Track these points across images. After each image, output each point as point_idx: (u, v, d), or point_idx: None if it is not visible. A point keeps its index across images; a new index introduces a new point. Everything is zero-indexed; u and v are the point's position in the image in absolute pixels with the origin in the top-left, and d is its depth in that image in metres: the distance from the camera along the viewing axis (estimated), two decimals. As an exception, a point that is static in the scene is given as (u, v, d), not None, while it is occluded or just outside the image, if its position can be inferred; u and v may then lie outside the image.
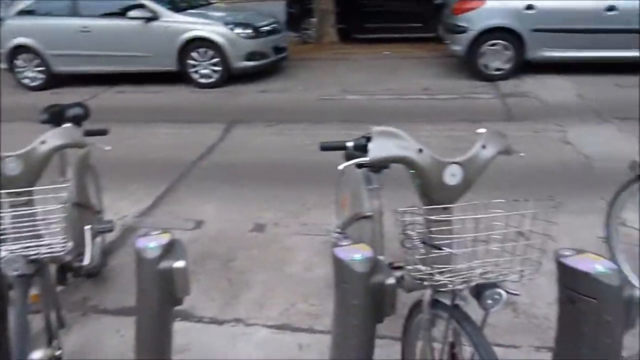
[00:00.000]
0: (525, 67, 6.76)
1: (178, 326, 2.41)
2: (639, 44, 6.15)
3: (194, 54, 7.30)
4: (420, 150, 1.46)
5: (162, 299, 1.70)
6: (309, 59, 9.08)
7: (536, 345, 2.26)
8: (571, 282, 1.56)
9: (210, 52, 7.27)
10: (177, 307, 1.73)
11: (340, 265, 1.62)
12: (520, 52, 6.58)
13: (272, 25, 7.87)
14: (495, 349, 2.13)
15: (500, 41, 6.62)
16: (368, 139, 1.48)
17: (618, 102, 5.48)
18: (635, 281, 2.49)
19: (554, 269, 1.60)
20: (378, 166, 1.97)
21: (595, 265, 1.51)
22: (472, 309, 1.49)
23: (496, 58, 6.70)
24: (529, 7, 6.40)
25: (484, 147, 1.55)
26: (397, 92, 6.53)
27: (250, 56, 7.34)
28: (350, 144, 1.68)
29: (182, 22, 7.33)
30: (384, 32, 10.51)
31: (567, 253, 1.59)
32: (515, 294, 1.47)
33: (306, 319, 2.53)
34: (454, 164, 1.49)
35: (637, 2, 6.11)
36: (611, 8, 6.18)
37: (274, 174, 4.25)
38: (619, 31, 6.24)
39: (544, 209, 1.43)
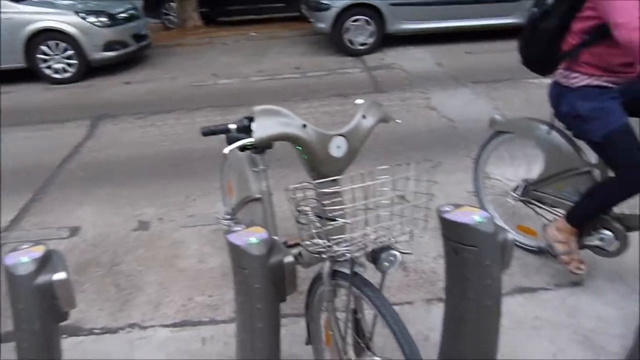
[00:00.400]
0: (387, 40, 7.09)
1: (67, 343, 2.23)
2: (488, 13, 6.73)
3: (43, 48, 6.65)
4: (304, 126, 1.46)
5: (43, 316, 1.55)
6: (173, 46, 8.71)
7: (428, 298, 2.42)
8: (453, 234, 1.68)
9: (63, 45, 6.67)
10: (63, 323, 1.59)
11: (236, 251, 1.59)
12: (381, 26, 6.89)
13: (129, 12, 7.41)
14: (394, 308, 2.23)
15: (362, 17, 6.86)
16: (251, 120, 1.45)
17: (470, 67, 5.98)
18: (503, 226, 2.74)
19: (435, 226, 1.72)
20: (262, 147, 1.95)
21: (473, 216, 1.64)
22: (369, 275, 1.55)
23: (360, 33, 6.94)
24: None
25: (364, 117, 1.59)
26: (269, 72, 6.51)
27: (109, 46, 6.86)
28: (232, 127, 1.64)
29: (25, 13, 6.62)
30: (248, 13, 10.40)
31: (447, 208, 1.70)
32: (408, 253, 1.54)
33: (206, 311, 2.46)
34: (338, 136, 1.52)
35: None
36: (456, -19, 6.68)
37: (151, 169, 4.05)
38: (468, 2, 6.78)
39: (424, 170, 1.51)
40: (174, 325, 2.39)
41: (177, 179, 3.81)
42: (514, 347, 2.10)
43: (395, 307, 2.32)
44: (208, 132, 1.71)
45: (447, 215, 1.68)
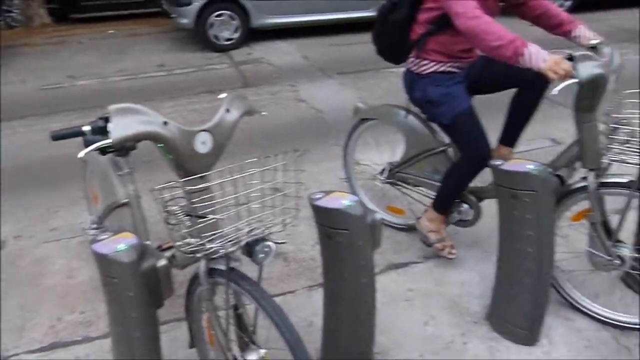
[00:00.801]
0: (254, 34, 7.08)
1: None
2: (350, 6, 6.99)
3: None
4: (166, 123, 1.42)
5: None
6: (20, 46, 7.91)
7: (309, 285, 2.48)
8: (326, 220, 1.74)
9: None
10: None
11: (104, 261, 1.51)
12: (246, 21, 6.85)
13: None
14: (274, 298, 2.25)
15: (226, 11, 6.77)
16: (106, 120, 1.37)
17: (335, 59, 6.19)
18: (374, 208, 2.89)
19: (310, 215, 1.77)
20: (124, 148, 1.85)
21: (342, 201, 1.71)
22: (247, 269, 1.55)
23: (225, 28, 6.85)
24: (246, -24, 6.67)
25: (228, 111, 1.58)
26: (131, 71, 6.19)
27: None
28: (87, 128, 1.54)
29: None
30: (104, 9, 9.75)
31: (318, 196, 1.76)
32: (283, 243, 1.57)
33: (78, 329, 2.29)
34: (202, 132, 1.49)
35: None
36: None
37: (3, 182, 3.65)
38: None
39: (292, 160, 1.53)
40: (43, 349, 2.19)
41: (35, 191, 3.49)
42: (390, 320, 2.24)
43: (278, 298, 2.36)
44: (58, 136, 1.58)
45: (318, 203, 1.73)
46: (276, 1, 6.86)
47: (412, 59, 2.30)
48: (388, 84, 5.07)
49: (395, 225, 2.83)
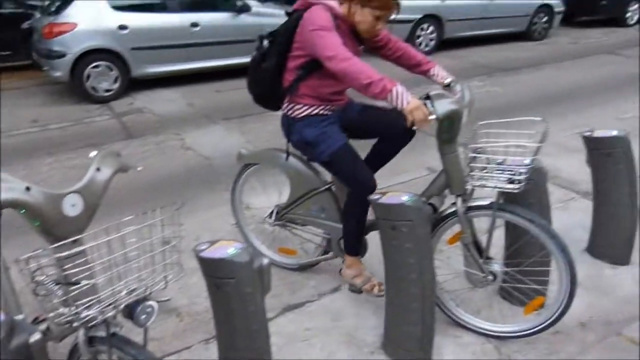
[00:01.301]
0: (135, 84, 6.91)
1: None
2: (233, 53, 7.08)
3: None
4: (28, 189, 1.34)
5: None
6: None
7: (205, 338, 2.41)
8: (212, 270, 1.72)
9: None
10: None
11: (-36, 344, 1.37)
12: (126, 71, 6.68)
13: None
14: (169, 357, 2.17)
15: (103, 62, 6.56)
16: (-41, 190, 1.27)
17: (221, 105, 6.22)
18: (265, 251, 2.91)
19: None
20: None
21: (228, 249, 1.71)
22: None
23: (103, 79, 6.62)
24: (122, 27, 6.53)
25: (98, 169, 1.54)
26: (2, 129, 5.74)
27: None
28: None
29: None
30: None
31: (203, 246, 1.74)
32: (166, 300, 1.53)
33: None
34: (71, 194, 1.43)
35: (215, 16, 7.04)
36: (195, 24, 6.88)
37: None
38: (202, 44, 7.04)
39: (170, 214, 1.51)
40: None
41: None
42: (289, 362, 2.23)
43: (172, 356, 2.27)
44: None
45: (203, 254, 1.72)
46: (156, 50, 6.77)
47: (286, 104, 2.39)
48: (273, 127, 5.15)
49: (289, 266, 2.85)
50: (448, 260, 2.78)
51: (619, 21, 11.61)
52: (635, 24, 11.70)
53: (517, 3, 9.72)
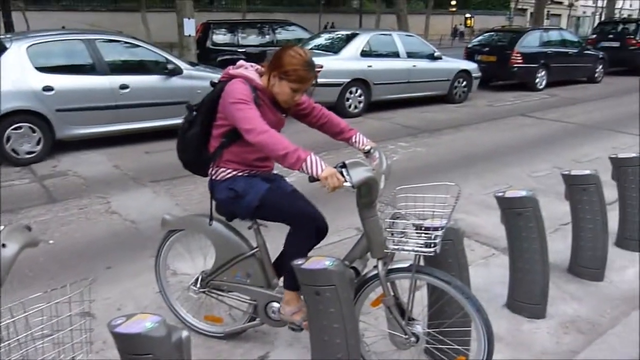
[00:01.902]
0: (60, 146, 6.69)
1: None
2: (163, 114, 7.05)
3: None
4: None
5: None
6: None
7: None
8: (128, 347, 1.65)
9: None
10: None
11: None
12: (50, 133, 6.47)
13: None
14: None
15: (26, 124, 6.33)
16: None
17: (150, 167, 6.11)
18: (191, 320, 2.83)
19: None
20: None
21: (145, 323, 1.65)
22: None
23: (25, 141, 6.36)
24: (47, 88, 6.38)
25: (4, 246, 1.47)
26: None
27: None
28: None
29: None
30: None
31: (118, 321, 1.68)
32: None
33: None
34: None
35: (146, 78, 7.05)
36: (124, 86, 6.84)
37: None
38: (134, 106, 6.98)
39: (81, 289, 1.46)
40: None
41: None
42: None
43: None
44: None
45: (118, 329, 1.65)
46: (82, 112, 6.63)
47: (212, 170, 2.42)
48: (205, 189, 5.08)
49: (215, 335, 2.78)
50: (376, 322, 2.81)
51: (529, 86, 12.65)
52: (543, 88, 12.78)
53: (438, 68, 10.40)
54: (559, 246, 3.92)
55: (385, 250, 2.18)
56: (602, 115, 9.74)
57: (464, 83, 10.86)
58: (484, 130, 8.38)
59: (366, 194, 2.12)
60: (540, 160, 6.58)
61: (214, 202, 2.50)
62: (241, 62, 2.39)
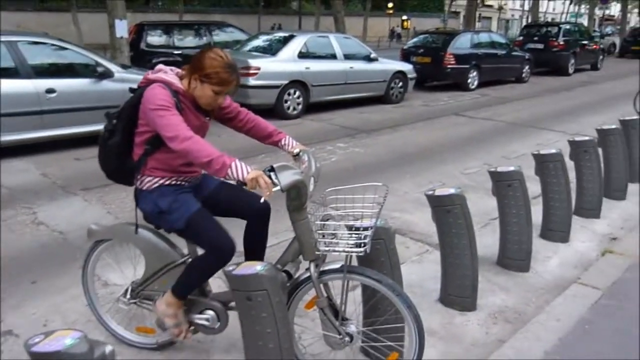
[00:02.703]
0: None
1: None
2: (93, 120, 6.76)
3: None
4: None
5: None
6: None
7: None
8: (45, 366, 1.58)
9: None
10: None
11: None
12: (-32, 141, 6.09)
13: None
14: None
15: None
16: None
17: (80, 174, 5.85)
18: (122, 332, 2.74)
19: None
20: None
21: (64, 340, 1.59)
22: None
23: (-60, 150, 5.96)
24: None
25: None
26: None
27: None
28: None
29: None
30: None
31: (37, 339, 1.60)
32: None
33: None
34: None
35: (74, 82, 6.77)
36: (51, 90, 6.52)
37: None
38: (61, 111, 6.68)
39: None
40: None
41: None
42: None
43: None
44: None
45: (35, 349, 1.57)
46: (7, 118, 6.27)
47: (138, 178, 2.35)
48: (138, 195, 4.97)
49: (148, 346, 2.70)
50: (313, 323, 2.82)
51: (462, 86, 13.11)
52: (475, 88, 13.28)
53: (375, 70, 10.59)
54: (489, 240, 4.09)
55: (317, 252, 2.20)
56: (529, 113, 10.23)
57: (400, 84, 11.11)
58: (420, 129, 8.61)
59: (295, 197, 2.13)
60: (472, 157, 6.83)
61: (140, 211, 2.43)
62: (160, 66, 2.33)
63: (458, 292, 3.17)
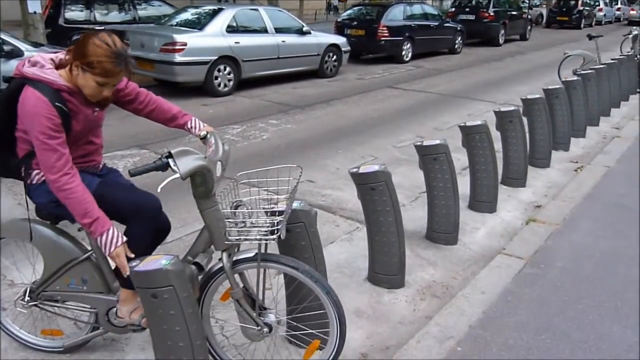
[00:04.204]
0: None
1: None
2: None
3: None
4: None
5: None
6: None
7: None
8: None
9: None
10: None
11: None
12: None
13: None
14: None
15: None
16: None
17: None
18: (25, 336, 2.53)
19: None
20: None
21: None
22: None
23: None
24: None
25: None
26: None
27: None
28: None
29: None
30: None
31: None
32: None
33: None
34: None
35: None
36: (-50, 71, 5.96)
37: None
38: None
39: None
40: None
41: None
42: None
43: None
44: None
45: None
46: None
47: (27, 172, 2.11)
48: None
49: (55, 350, 2.49)
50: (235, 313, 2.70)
51: (396, 58, 13.13)
52: (410, 60, 13.34)
53: (308, 43, 10.37)
54: (419, 214, 4.09)
55: (228, 242, 2.06)
56: (461, 84, 10.39)
57: (334, 57, 10.97)
58: (354, 103, 8.54)
59: (201, 183, 1.97)
60: (405, 130, 6.84)
61: (33, 205, 2.20)
62: (36, 57, 2.03)
63: (386, 270, 3.13)
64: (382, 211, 3.03)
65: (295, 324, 2.31)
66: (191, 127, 2.31)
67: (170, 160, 1.83)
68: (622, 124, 7.19)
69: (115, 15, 11.72)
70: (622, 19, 32.56)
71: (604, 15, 29.84)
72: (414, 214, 4.16)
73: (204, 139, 2.25)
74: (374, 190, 3.01)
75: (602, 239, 3.64)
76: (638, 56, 9.15)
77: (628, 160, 5.46)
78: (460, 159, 4.83)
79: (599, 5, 29.42)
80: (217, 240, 2.08)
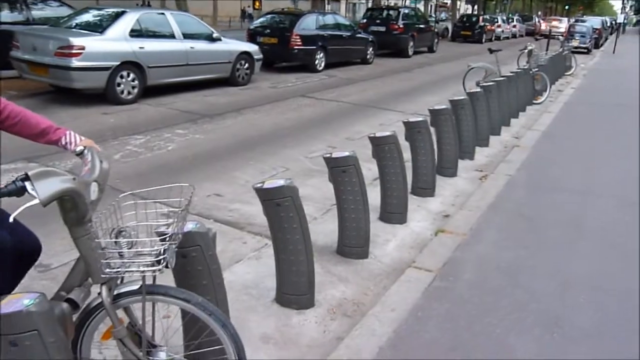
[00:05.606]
0: None
1: None
2: None
3: None
4: None
5: None
6: None
7: None
8: None
9: None
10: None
11: None
12: None
13: None
14: None
15: None
16: None
17: None
18: None
19: None
20: None
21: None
22: None
23: None
24: None
25: None
26: None
27: None
28: None
29: None
30: None
31: None
32: None
33: None
34: None
35: None
36: None
37: None
38: None
39: None
40: None
41: None
42: None
43: None
44: None
45: None
46: None
47: None
48: None
49: None
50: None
51: (310, 67, 13.12)
52: (323, 69, 13.39)
53: (218, 50, 10.06)
54: (330, 227, 3.97)
55: (106, 275, 1.79)
56: (373, 94, 10.53)
57: (246, 65, 10.72)
58: (266, 112, 8.35)
59: (71, 208, 1.70)
60: (317, 140, 6.75)
61: None
62: None
63: (294, 290, 2.97)
64: (289, 228, 2.87)
65: (194, 358, 2.07)
66: (66, 142, 2.01)
67: (27, 184, 1.55)
68: (521, 134, 7.56)
69: (4, 15, 10.74)
70: (517, 35, 35.11)
71: (502, 31, 31.94)
72: (326, 228, 4.04)
73: (80, 154, 1.96)
74: (279, 206, 2.85)
75: (505, 250, 3.70)
76: (532, 70, 9.72)
77: (527, 169, 5.71)
78: (371, 169, 4.80)
79: (497, 22, 31.47)
80: (93, 273, 1.80)
